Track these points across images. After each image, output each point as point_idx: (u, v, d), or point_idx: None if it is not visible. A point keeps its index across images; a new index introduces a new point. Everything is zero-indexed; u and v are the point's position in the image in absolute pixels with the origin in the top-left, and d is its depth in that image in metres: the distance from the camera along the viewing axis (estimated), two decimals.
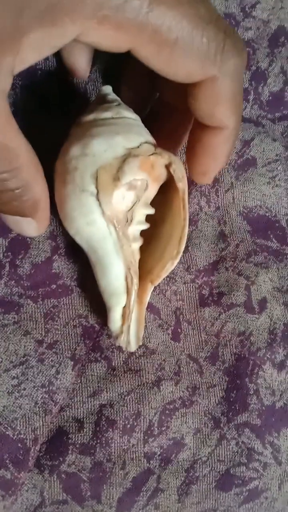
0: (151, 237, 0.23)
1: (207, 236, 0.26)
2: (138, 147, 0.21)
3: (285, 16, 0.30)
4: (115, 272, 0.22)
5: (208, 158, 0.22)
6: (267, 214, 0.27)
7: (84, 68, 0.23)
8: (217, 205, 0.27)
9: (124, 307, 0.22)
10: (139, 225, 0.22)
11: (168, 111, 0.24)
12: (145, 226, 0.22)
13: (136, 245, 0.22)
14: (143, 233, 0.23)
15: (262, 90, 0.29)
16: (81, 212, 0.21)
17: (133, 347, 0.23)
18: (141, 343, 0.23)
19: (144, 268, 0.23)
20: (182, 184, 0.22)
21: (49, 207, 0.21)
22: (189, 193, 0.26)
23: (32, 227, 0.21)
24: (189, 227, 0.26)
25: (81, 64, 0.23)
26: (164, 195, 0.23)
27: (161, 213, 0.23)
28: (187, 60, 0.18)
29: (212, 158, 0.22)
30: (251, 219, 0.27)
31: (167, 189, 0.22)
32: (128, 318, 0.22)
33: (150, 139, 0.22)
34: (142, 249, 0.23)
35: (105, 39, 0.17)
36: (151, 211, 0.22)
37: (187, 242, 0.26)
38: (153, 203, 0.22)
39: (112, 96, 0.23)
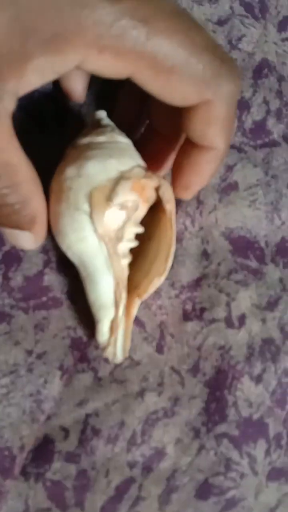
0: (138, 254, 0.24)
1: (191, 254, 0.28)
2: (130, 170, 0.22)
3: (269, 49, 0.32)
4: (105, 287, 0.22)
5: (193, 174, 0.22)
6: (247, 235, 0.29)
7: (80, 92, 0.24)
8: (201, 225, 0.28)
9: (112, 320, 0.23)
10: (128, 242, 0.23)
11: (155, 137, 0.25)
12: (134, 243, 0.23)
13: (126, 261, 0.23)
14: (131, 249, 0.24)
15: (246, 118, 0.30)
16: (73, 228, 0.22)
17: (119, 359, 0.24)
18: (127, 355, 0.24)
19: (132, 283, 0.24)
20: (169, 206, 0.23)
21: (46, 221, 0.22)
22: (175, 213, 0.28)
23: (29, 240, 0.22)
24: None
25: (77, 88, 0.24)
26: (153, 215, 0.24)
27: (149, 231, 0.24)
28: (183, 85, 0.19)
29: (197, 175, 0.23)
30: (232, 239, 0.28)
31: (155, 209, 0.24)
32: (115, 331, 0.23)
33: (141, 162, 0.23)
34: (130, 264, 0.23)
35: (105, 66, 0.18)
36: (141, 230, 0.23)
37: (172, 259, 0.27)
38: (142, 222, 0.24)
39: (106, 121, 0.24)
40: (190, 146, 0.22)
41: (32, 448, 0.24)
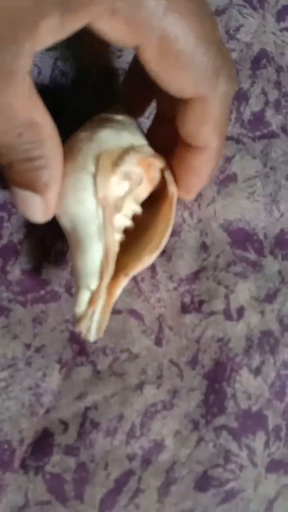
0: (131, 242, 0.24)
1: (190, 247, 0.28)
2: (141, 146, 0.22)
3: (267, 40, 0.31)
4: (93, 255, 0.21)
5: (191, 177, 0.22)
6: (246, 227, 0.29)
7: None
8: (199, 217, 0.28)
9: (94, 291, 0.21)
10: (125, 218, 0.22)
11: (165, 126, 0.25)
12: (129, 223, 0.23)
13: (118, 236, 0.22)
14: (125, 233, 0.23)
15: (244, 109, 0.30)
16: (75, 188, 0.21)
17: (92, 336, 0.22)
18: (101, 336, 0.22)
19: (120, 265, 0.23)
20: (172, 188, 0.23)
21: (58, 192, 0.21)
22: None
23: (39, 208, 0.21)
24: (172, 238, 0.27)
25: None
26: (151, 209, 0.24)
27: (145, 223, 0.24)
28: (184, 74, 0.18)
29: (195, 177, 0.22)
30: (231, 232, 0.28)
31: (154, 201, 0.24)
32: (95, 302, 0.21)
33: (148, 144, 0.23)
34: (121, 249, 0.23)
35: (114, 31, 0.17)
36: (139, 210, 0.23)
37: (170, 252, 0.27)
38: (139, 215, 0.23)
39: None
40: (185, 149, 0.22)
41: (32, 441, 0.24)
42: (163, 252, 0.27)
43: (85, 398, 0.25)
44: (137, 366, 0.25)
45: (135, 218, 0.23)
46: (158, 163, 0.22)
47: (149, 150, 0.22)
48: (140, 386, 0.25)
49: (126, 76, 0.26)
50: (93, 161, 0.21)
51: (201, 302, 0.27)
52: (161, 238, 0.23)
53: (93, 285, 0.21)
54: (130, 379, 0.25)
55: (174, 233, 0.27)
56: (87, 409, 0.25)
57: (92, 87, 0.28)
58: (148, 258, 0.23)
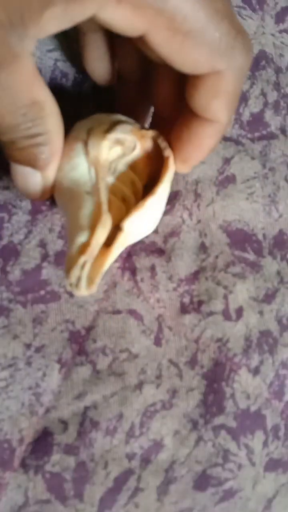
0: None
1: (189, 247, 0.28)
2: (132, 123, 0.22)
3: (266, 41, 0.32)
4: (86, 209, 0.20)
5: (193, 148, 0.22)
6: (245, 228, 0.29)
7: (107, 76, 0.24)
8: (198, 218, 0.28)
9: (85, 242, 0.20)
10: (119, 182, 0.22)
11: (162, 125, 0.24)
12: (126, 189, 0.23)
13: (115, 199, 0.22)
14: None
15: (243, 110, 0.30)
16: (68, 156, 0.21)
17: (83, 289, 0.20)
18: (94, 291, 0.20)
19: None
20: (167, 152, 0.23)
21: (57, 169, 0.22)
22: (173, 207, 0.28)
23: (38, 184, 0.21)
24: (172, 239, 0.27)
25: (104, 72, 0.24)
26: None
27: None
28: (197, 52, 0.18)
29: (197, 149, 0.22)
30: (230, 232, 0.28)
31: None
32: (86, 252, 0.19)
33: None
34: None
35: (121, 19, 0.17)
36: (134, 177, 0.23)
37: (170, 252, 0.27)
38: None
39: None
40: (192, 119, 0.21)
41: (31, 441, 0.24)
42: (163, 252, 0.27)
43: (85, 398, 0.25)
44: (136, 366, 0.26)
45: (137, 196, 0.23)
46: (150, 134, 0.22)
47: (139, 126, 0.23)
48: (139, 385, 0.25)
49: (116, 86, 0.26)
50: (86, 130, 0.22)
51: (200, 303, 0.27)
52: (158, 185, 0.22)
53: (85, 236, 0.20)
54: (130, 379, 0.25)
55: (173, 234, 0.27)
56: (86, 408, 0.25)
57: (92, 88, 0.28)
58: (143, 203, 0.21)
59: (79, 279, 0.19)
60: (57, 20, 0.17)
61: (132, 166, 0.23)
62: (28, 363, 0.24)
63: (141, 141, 0.22)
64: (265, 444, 0.26)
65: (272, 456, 0.26)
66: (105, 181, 0.21)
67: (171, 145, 0.23)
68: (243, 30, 0.19)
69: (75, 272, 0.19)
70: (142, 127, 0.23)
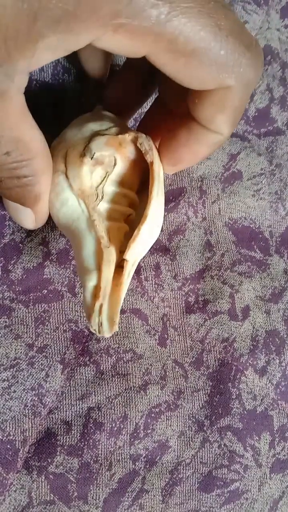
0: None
1: (194, 246, 0.27)
2: (106, 129, 0.21)
3: (272, 36, 0.31)
4: (88, 249, 0.21)
5: (188, 152, 0.21)
6: (251, 226, 0.28)
7: (101, 70, 0.24)
8: (203, 215, 0.28)
9: (96, 285, 0.20)
10: (114, 204, 0.22)
11: (164, 113, 0.24)
12: (124, 208, 0.22)
13: (113, 224, 0.21)
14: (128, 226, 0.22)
15: (249, 106, 0.30)
16: (55, 192, 0.21)
17: (106, 332, 0.20)
18: (117, 329, 0.20)
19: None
20: (149, 157, 0.22)
21: (48, 203, 0.21)
22: (177, 204, 0.27)
23: (29, 218, 0.21)
24: (177, 236, 0.27)
25: (97, 68, 0.23)
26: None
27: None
28: (203, 70, 0.18)
29: (192, 154, 0.22)
30: (236, 230, 0.28)
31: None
32: (100, 296, 0.20)
33: (122, 126, 0.22)
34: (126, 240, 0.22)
35: (119, 46, 0.17)
36: (125, 191, 0.22)
37: (175, 250, 0.27)
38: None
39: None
40: (194, 123, 0.21)
41: (35, 442, 0.24)
42: (167, 251, 0.27)
43: (88, 399, 0.24)
44: (141, 366, 0.25)
45: (135, 207, 0.23)
46: (127, 138, 0.21)
47: (116, 129, 0.22)
48: (144, 386, 0.25)
49: (112, 83, 0.26)
50: (62, 160, 0.21)
51: (206, 302, 0.27)
52: (147, 207, 0.21)
53: (94, 279, 0.20)
54: (134, 379, 0.25)
55: (178, 232, 0.27)
56: (90, 409, 0.24)
57: (93, 83, 0.27)
58: (138, 232, 0.21)
59: (100, 323, 0.20)
60: (51, 51, 0.17)
61: (120, 182, 0.22)
62: (31, 364, 0.24)
63: (120, 151, 0.21)
64: (271, 445, 0.26)
65: (279, 457, 0.26)
66: (98, 211, 0.21)
67: (165, 142, 0.22)
68: (252, 43, 0.18)
69: (95, 320, 0.20)
70: (122, 126, 0.22)
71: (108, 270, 0.20)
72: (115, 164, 0.21)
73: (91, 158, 0.21)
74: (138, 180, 0.23)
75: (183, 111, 0.21)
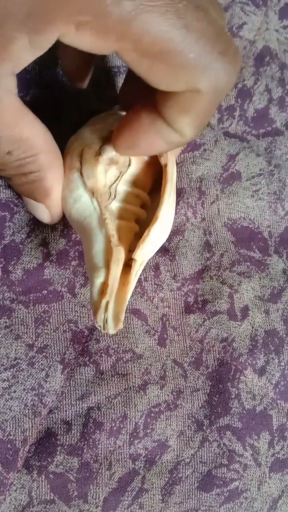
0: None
1: (193, 246, 0.27)
2: None
3: (270, 37, 0.31)
4: (98, 246, 0.21)
5: (145, 139, 0.20)
6: (250, 226, 0.28)
7: (82, 79, 0.23)
8: (203, 216, 0.28)
9: (103, 282, 0.20)
10: (126, 204, 0.22)
11: None
12: (135, 208, 0.22)
13: (124, 223, 0.22)
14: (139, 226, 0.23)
15: (248, 107, 0.30)
16: (69, 189, 0.21)
17: (111, 329, 0.20)
18: (122, 327, 0.21)
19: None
20: (163, 159, 0.22)
21: (60, 198, 0.22)
22: (177, 205, 0.27)
23: (45, 213, 0.22)
24: (176, 237, 0.27)
25: (79, 74, 0.23)
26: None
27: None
28: (170, 73, 0.17)
29: (148, 143, 0.20)
30: (235, 230, 0.28)
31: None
32: (107, 293, 0.20)
33: None
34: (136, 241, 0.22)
35: (84, 43, 0.17)
36: (138, 191, 0.22)
37: (174, 251, 0.27)
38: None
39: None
40: (158, 116, 0.19)
41: (35, 441, 0.24)
42: (167, 251, 0.27)
43: (88, 399, 0.25)
44: (140, 366, 0.25)
45: (146, 207, 0.23)
46: None
47: None
48: (143, 386, 0.25)
49: (125, 78, 0.26)
50: (78, 158, 0.21)
51: (205, 302, 0.27)
52: (159, 208, 0.21)
53: (102, 276, 0.20)
54: (134, 379, 0.25)
55: (177, 232, 0.27)
56: (90, 409, 0.24)
57: (93, 84, 0.27)
58: (148, 233, 0.21)
59: (106, 320, 0.20)
60: (28, 51, 0.17)
61: (133, 182, 0.22)
62: (31, 364, 0.24)
63: None
64: (270, 444, 0.26)
65: (278, 456, 0.26)
66: (110, 209, 0.21)
67: (129, 120, 0.21)
68: (229, 49, 0.17)
69: (100, 316, 0.20)
70: None
71: (116, 268, 0.20)
72: (129, 165, 0.22)
73: (107, 157, 0.21)
74: (150, 181, 0.23)
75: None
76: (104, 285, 0.20)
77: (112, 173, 0.21)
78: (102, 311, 0.20)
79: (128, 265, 0.21)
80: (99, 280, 0.20)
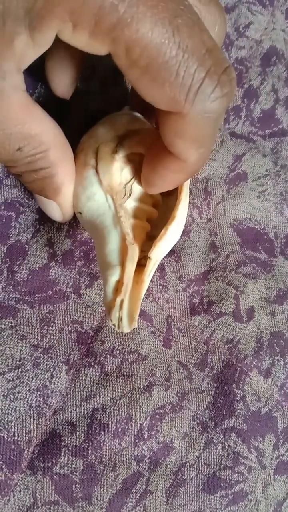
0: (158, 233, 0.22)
1: (199, 247, 0.27)
2: (139, 128, 0.21)
3: (277, 37, 0.31)
4: (112, 244, 0.21)
5: (157, 176, 0.20)
6: (256, 227, 0.28)
7: (64, 88, 0.23)
8: (208, 217, 0.28)
9: (118, 280, 0.20)
10: (141, 203, 0.22)
11: None
12: (148, 208, 0.22)
13: (138, 222, 0.22)
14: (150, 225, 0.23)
15: (254, 107, 0.30)
16: (83, 187, 0.21)
17: (125, 327, 0.20)
18: (136, 326, 0.21)
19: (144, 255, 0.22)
20: None
21: (72, 195, 0.21)
22: None
23: (56, 211, 0.22)
24: (182, 238, 0.27)
25: (62, 83, 0.23)
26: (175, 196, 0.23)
27: (170, 211, 0.23)
28: (155, 88, 0.16)
29: (160, 179, 0.20)
30: (241, 231, 0.28)
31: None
32: (121, 291, 0.20)
33: (150, 126, 0.22)
34: (148, 240, 0.22)
35: (81, 42, 0.16)
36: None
37: (179, 252, 0.27)
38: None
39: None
40: (162, 147, 0.19)
41: (39, 442, 0.24)
42: (172, 252, 0.27)
43: (93, 400, 0.24)
44: (145, 367, 0.25)
45: (158, 207, 0.23)
46: None
47: (147, 130, 0.22)
48: (148, 388, 0.25)
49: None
50: (93, 155, 0.21)
51: (210, 303, 0.27)
52: (176, 207, 0.21)
53: (117, 274, 0.20)
54: (138, 380, 0.25)
55: (183, 233, 0.27)
56: (95, 410, 0.24)
57: (99, 83, 0.27)
58: (165, 232, 0.21)
59: (120, 318, 0.20)
60: (30, 48, 0.17)
61: None
62: (36, 364, 0.24)
63: None
64: (275, 446, 0.26)
65: (283, 458, 0.26)
66: (124, 208, 0.21)
67: (147, 158, 0.21)
68: (220, 69, 0.16)
69: (115, 314, 0.20)
70: (150, 127, 0.22)
71: (131, 266, 0.20)
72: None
73: (123, 155, 0.21)
74: None
75: None
76: (119, 283, 0.20)
77: (128, 171, 0.21)
78: (116, 309, 0.20)
79: (139, 264, 0.21)
80: (113, 278, 0.20)
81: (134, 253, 0.20)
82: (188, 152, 0.18)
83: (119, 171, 0.21)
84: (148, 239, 0.22)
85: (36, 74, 0.26)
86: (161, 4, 0.15)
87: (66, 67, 0.22)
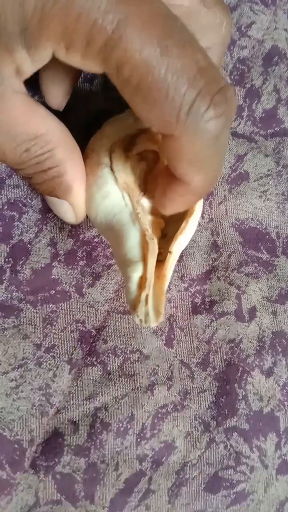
0: (175, 229, 0.23)
1: (201, 247, 0.27)
2: (149, 128, 0.22)
3: (279, 37, 0.31)
4: (132, 241, 0.21)
5: (167, 199, 0.20)
6: (258, 227, 0.28)
7: (58, 99, 0.23)
8: (210, 216, 0.28)
9: (141, 276, 0.20)
10: (153, 199, 0.22)
11: None
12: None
13: (154, 218, 0.22)
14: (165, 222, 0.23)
15: (256, 107, 0.30)
16: (97, 186, 0.21)
17: (153, 321, 0.20)
18: (163, 319, 0.20)
19: (166, 250, 0.22)
20: None
21: (83, 193, 0.21)
22: None
23: (69, 212, 0.21)
24: None
25: (57, 95, 0.23)
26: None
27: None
28: (147, 110, 0.16)
29: (170, 201, 0.20)
30: (242, 231, 0.28)
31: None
32: (145, 286, 0.20)
33: None
34: (165, 237, 0.22)
35: (75, 62, 0.17)
36: None
37: (181, 251, 0.27)
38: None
39: None
40: (170, 170, 0.19)
41: (42, 442, 0.24)
42: None
43: (95, 399, 0.25)
44: (147, 367, 0.25)
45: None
46: None
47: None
48: (150, 387, 0.25)
49: None
50: (107, 154, 0.21)
51: (212, 303, 0.27)
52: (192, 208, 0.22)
53: (139, 270, 0.20)
54: (141, 380, 0.25)
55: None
56: (97, 409, 0.24)
57: (100, 83, 0.27)
58: (185, 225, 0.21)
59: (147, 314, 0.20)
60: (28, 62, 0.17)
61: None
62: (38, 364, 0.24)
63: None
64: (277, 446, 0.26)
65: (285, 458, 0.26)
66: (141, 204, 0.21)
67: (160, 182, 0.21)
68: (217, 89, 0.16)
69: (141, 309, 0.20)
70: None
71: (152, 261, 0.20)
72: (156, 161, 0.22)
73: (137, 153, 0.21)
74: None
75: None
76: (143, 278, 0.20)
77: (142, 168, 0.22)
78: (142, 304, 0.20)
79: (157, 260, 0.21)
80: (136, 274, 0.20)
81: (154, 247, 0.20)
82: (189, 175, 0.18)
83: (133, 168, 0.21)
84: (161, 236, 0.22)
85: (35, 76, 0.26)
86: (151, 25, 0.15)
87: (61, 80, 0.22)
